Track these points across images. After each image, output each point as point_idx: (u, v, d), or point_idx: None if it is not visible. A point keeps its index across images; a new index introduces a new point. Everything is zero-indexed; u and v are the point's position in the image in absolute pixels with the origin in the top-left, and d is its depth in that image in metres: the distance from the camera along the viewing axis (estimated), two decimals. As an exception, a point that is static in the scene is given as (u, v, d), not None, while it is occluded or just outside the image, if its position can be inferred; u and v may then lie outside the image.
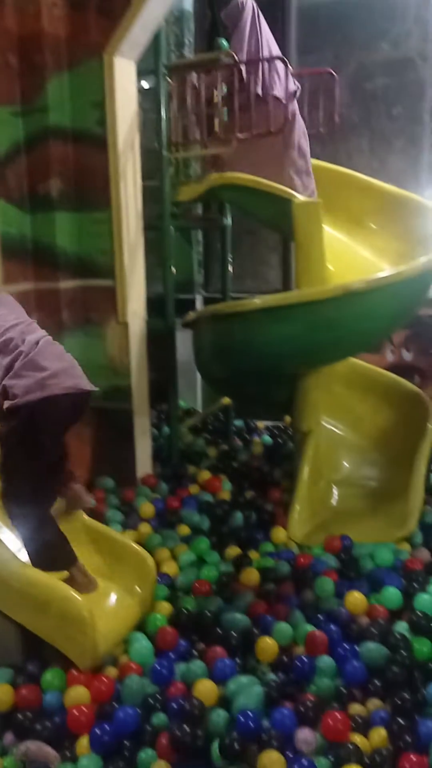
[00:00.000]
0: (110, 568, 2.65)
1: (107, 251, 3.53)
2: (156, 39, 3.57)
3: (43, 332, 2.38)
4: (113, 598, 2.56)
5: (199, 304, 5.23)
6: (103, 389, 3.65)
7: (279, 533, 3.17)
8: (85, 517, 2.77)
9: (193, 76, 3.63)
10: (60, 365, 2.26)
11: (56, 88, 3.37)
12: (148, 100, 3.90)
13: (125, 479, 3.68)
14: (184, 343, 4.01)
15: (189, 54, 4.98)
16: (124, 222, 3.49)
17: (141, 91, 3.70)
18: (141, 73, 3.62)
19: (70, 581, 2.43)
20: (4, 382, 2.20)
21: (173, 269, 3.86)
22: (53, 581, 2.30)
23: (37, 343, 2.27)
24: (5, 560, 2.33)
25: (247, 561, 2.96)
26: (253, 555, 3.02)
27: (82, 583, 2.48)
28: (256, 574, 2.83)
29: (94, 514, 3.05)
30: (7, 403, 2.19)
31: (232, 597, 2.73)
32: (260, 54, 3.52)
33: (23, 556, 2.46)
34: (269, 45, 3.60)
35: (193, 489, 3.67)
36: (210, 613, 2.58)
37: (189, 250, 5.12)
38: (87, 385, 2.36)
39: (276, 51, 3.61)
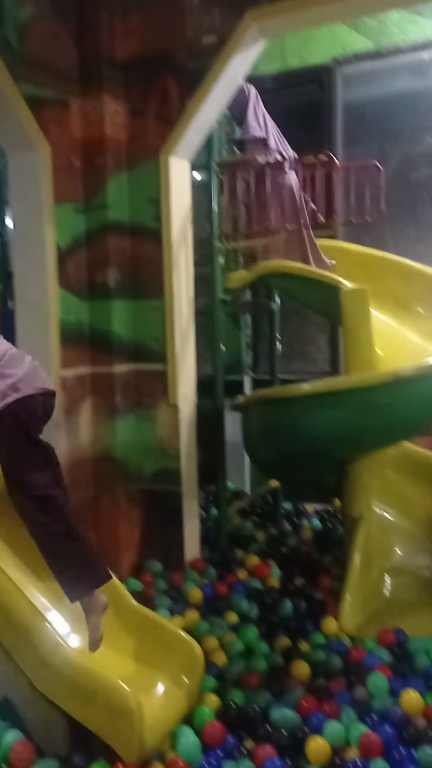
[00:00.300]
0: (157, 656, 2.60)
1: (160, 337, 3.66)
2: (209, 138, 3.79)
3: (5, 345, 2.45)
4: (160, 688, 2.51)
5: (247, 385, 5.30)
6: (153, 471, 3.73)
7: (330, 624, 3.08)
8: (134, 602, 2.75)
9: (243, 172, 3.85)
10: (25, 370, 2.37)
11: (115, 187, 3.59)
12: (200, 192, 4.10)
13: (173, 563, 3.67)
14: (231, 423, 4.06)
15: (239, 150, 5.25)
16: (176, 309, 3.62)
17: (193, 183, 3.91)
18: (193, 168, 3.83)
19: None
20: None
21: (222, 348, 3.96)
22: (102, 672, 2.28)
23: (3, 355, 2.37)
24: (54, 646, 2.32)
25: (297, 653, 2.89)
26: (303, 646, 2.94)
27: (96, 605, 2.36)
28: (306, 668, 2.75)
29: (142, 598, 3.04)
30: None
31: (281, 691, 2.65)
32: (267, 134, 3.96)
33: (71, 641, 2.47)
34: (269, 125, 4.00)
35: (242, 574, 3.62)
36: (259, 708, 2.51)
37: (238, 333, 5.24)
38: (52, 385, 2.46)
39: (273, 127, 4.04)
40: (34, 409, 2.35)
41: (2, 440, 2.32)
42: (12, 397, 2.29)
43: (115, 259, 3.62)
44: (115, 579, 2.75)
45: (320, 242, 3.94)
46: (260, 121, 4.03)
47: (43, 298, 3.41)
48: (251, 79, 5.10)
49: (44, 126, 3.34)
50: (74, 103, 3.53)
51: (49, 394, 2.43)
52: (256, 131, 4.00)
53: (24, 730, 2.34)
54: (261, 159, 3.93)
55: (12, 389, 2.30)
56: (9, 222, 4.42)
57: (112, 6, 3.52)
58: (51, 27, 3.38)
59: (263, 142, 4.02)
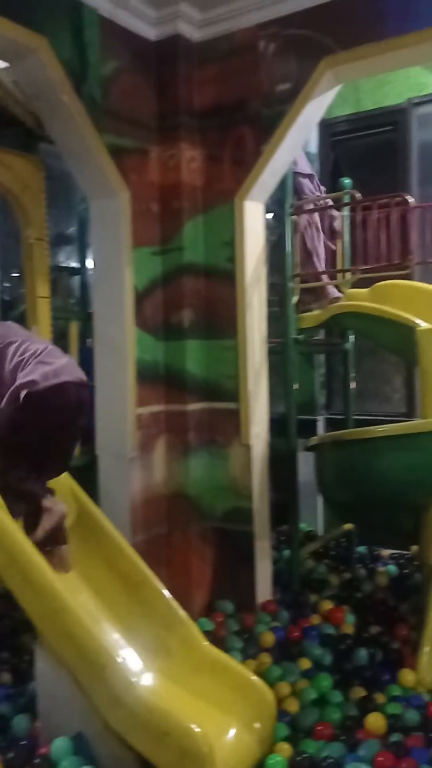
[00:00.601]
0: (229, 699, 2.55)
1: (233, 376, 3.68)
2: (283, 181, 3.85)
3: (47, 342, 2.77)
4: (232, 733, 2.45)
5: (321, 425, 5.24)
6: (225, 510, 3.72)
7: (407, 676, 2.96)
8: (206, 642, 2.72)
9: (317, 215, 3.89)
10: (64, 362, 2.62)
11: (191, 230, 3.69)
12: (273, 232, 4.15)
13: (245, 603, 3.62)
14: (304, 463, 4.02)
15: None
16: (249, 349, 3.65)
17: (268, 225, 3.96)
18: (268, 209, 3.88)
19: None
20: (29, 376, 2.50)
21: (296, 387, 3.94)
22: (174, 712, 2.26)
23: (45, 348, 2.66)
24: (126, 684, 2.33)
25: (373, 705, 2.78)
26: (379, 698, 2.84)
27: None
28: (382, 721, 2.65)
29: (213, 638, 3.01)
30: (25, 391, 2.47)
31: (356, 744, 2.55)
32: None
33: (144, 679, 2.46)
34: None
35: (315, 619, 3.53)
36: (333, 760, 2.42)
37: (311, 373, 5.22)
38: (85, 377, 2.69)
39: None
40: (68, 394, 2.55)
41: (20, 412, 2.47)
42: (51, 381, 2.49)
43: (189, 300, 3.70)
44: (187, 617, 2.75)
45: (396, 283, 3.91)
46: (302, 158, 4.17)
47: (121, 338, 3.51)
48: (325, 122, 5.21)
49: (124, 173, 3.48)
50: (153, 151, 3.67)
51: (83, 384, 2.63)
52: (305, 168, 4.12)
53: (97, 765, 2.34)
54: (311, 194, 4.07)
55: (53, 375, 2.51)
56: (89, 264, 4.60)
57: (190, 58, 3.68)
58: (132, 80, 3.56)
59: (310, 178, 4.11)
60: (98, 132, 3.31)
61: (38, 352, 2.58)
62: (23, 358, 2.55)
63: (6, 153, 3.18)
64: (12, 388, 2.48)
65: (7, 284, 4.88)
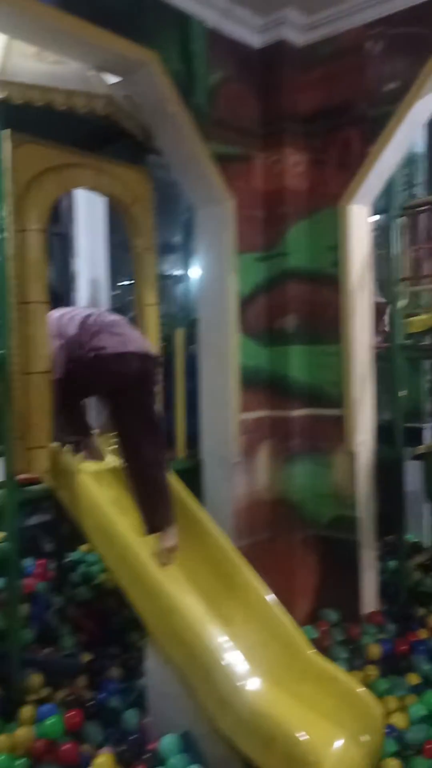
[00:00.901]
0: (335, 710, 2.50)
1: (337, 382, 3.63)
2: (389, 183, 3.77)
3: (117, 315, 3.11)
4: (338, 744, 2.40)
5: (428, 433, 5.07)
6: (330, 518, 3.67)
7: None
8: (312, 650, 2.69)
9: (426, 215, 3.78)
10: (133, 334, 2.97)
11: (295, 235, 3.68)
12: (378, 234, 4.06)
13: (349, 614, 3.55)
14: (410, 472, 3.89)
15: (420, 193, 5.17)
16: (354, 354, 3.59)
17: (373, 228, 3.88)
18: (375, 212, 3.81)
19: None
20: (100, 342, 2.85)
21: (403, 393, 3.83)
22: (281, 719, 2.24)
23: (118, 321, 3.00)
24: (233, 687, 2.34)
25: None
26: None
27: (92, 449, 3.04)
28: None
29: (318, 647, 2.97)
30: (93, 353, 2.82)
31: (470, 766, 2.45)
32: None
33: (251, 683, 2.46)
34: None
35: (423, 633, 3.41)
36: (445, 781, 2.33)
37: (418, 379, 5.06)
38: (152, 350, 3.01)
39: None
40: (130, 362, 2.86)
41: (87, 369, 2.83)
42: (116, 349, 2.82)
43: (293, 306, 3.68)
44: (292, 623, 2.72)
45: None
46: None
47: (225, 344, 3.55)
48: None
49: (230, 180, 3.52)
50: (257, 157, 3.69)
51: (146, 357, 2.93)
52: None
53: (204, 764, 2.36)
54: None
55: (121, 344, 2.85)
56: (193, 272, 4.67)
57: (294, 63, 3.67)
58: (237, 88, 3.59)
59: None
60: (204, 141, 3.37)
61: (112, 323, 2.95)
62: (99, 329, 2.90)
63: (118, 166, 3.28)
64: (85, 350, 2.85)
65: (117, 292, 5.05)
